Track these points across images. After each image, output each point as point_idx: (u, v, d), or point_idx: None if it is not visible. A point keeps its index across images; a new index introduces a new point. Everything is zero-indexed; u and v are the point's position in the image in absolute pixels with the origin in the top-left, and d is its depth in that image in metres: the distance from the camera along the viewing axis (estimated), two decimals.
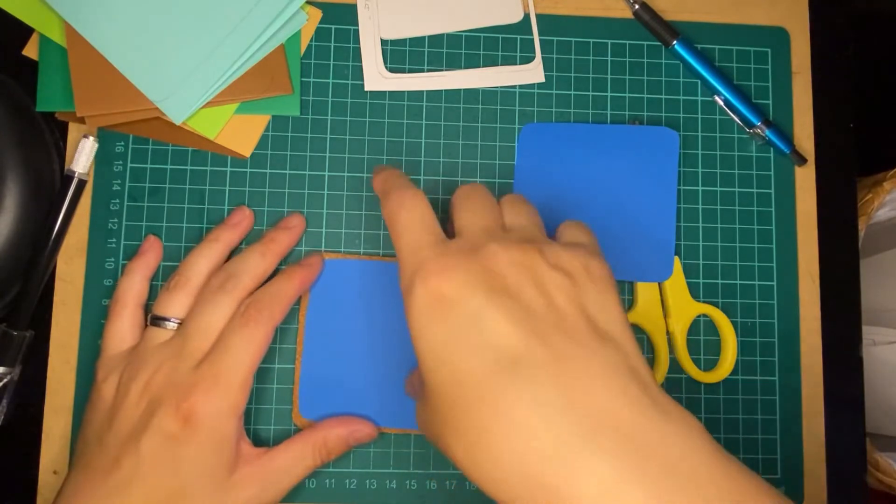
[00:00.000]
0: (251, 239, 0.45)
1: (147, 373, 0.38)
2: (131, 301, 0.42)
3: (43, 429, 0.43)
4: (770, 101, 0.49)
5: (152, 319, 0.41)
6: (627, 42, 0.49)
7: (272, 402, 0.44)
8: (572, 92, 0.48)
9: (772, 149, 0.48)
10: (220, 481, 0.37)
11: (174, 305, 0.41)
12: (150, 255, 0.44)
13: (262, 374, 0.44)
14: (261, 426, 0.44)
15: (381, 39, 0.47)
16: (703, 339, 0.47)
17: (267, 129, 0.46)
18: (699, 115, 0.48)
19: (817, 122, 0.49)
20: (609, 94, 0.48)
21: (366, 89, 0.47)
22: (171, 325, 0.40)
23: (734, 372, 0.46)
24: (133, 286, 0.42)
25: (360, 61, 0.47)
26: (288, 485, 0.40)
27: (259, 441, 0.44)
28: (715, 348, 0.47)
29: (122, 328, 0.41)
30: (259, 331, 0.39)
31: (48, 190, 0.44)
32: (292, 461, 0.40)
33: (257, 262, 0.42)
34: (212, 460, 0.37)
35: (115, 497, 0.36)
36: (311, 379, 0.44)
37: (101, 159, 0.45)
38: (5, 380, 0.43)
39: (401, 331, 0.44)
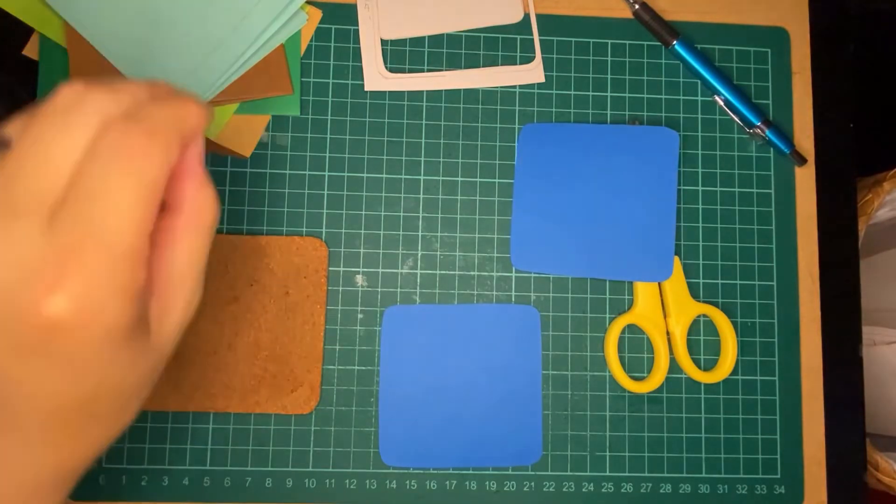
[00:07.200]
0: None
1: None
2: None
3: None
4: (770, 101, 0.49)
5: None
6: (627, 42, 0.49)
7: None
8: (572, 92, 0.48)
9: (772, 149, 0.48)
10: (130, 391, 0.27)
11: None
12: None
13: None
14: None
15: (381, 39, 0.47)
16: (703, 339, 0.47)
17: (267, 129, 0.46)
18: (699, 115, 0.48)
19: (817, 122, 0.49)
20: (609, 94, 0.48)
21: (366, 89, 0.47)
22: None
23: (734, 372, 0.46)
24: None
25: (360, 61, 0.47)
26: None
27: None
28: (715, 348, 0.47)
29: None
30: (150, 161, 0.23)
31: None
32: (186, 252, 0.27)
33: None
34: (107, 370, 0.25)
35: None
36: (390, 425, 0.44)
37: None
38: None
39: (468, 370, 0.45)
